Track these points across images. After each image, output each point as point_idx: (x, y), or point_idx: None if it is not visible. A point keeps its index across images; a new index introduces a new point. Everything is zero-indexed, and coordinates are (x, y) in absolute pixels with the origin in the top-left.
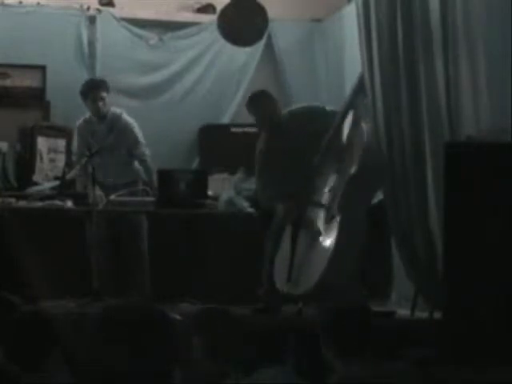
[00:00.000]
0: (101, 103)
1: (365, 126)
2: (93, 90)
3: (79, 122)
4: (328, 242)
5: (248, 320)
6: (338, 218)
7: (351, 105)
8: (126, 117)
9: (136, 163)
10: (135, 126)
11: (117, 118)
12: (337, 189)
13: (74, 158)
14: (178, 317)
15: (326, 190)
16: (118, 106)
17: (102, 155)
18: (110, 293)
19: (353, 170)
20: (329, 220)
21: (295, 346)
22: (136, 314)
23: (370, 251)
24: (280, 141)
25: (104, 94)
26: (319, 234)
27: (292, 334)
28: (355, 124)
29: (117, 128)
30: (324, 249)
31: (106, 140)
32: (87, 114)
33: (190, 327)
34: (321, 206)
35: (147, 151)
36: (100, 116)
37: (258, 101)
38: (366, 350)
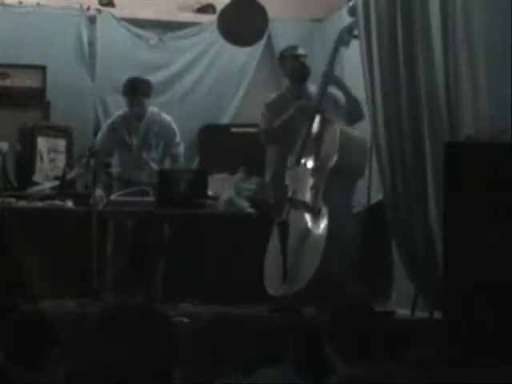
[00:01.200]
0: (139, 108)
1: (336, 125)
2: (131, 93)
3: (114, 117)
4: (318, 235)
5: (249, 320)
6: (323, 210)
7: (318, 107)
8: (165, 115)
9: (166, 162)
10: (174, 124)
11: (156, 116)
12: (318, 184)
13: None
14: (186, 319)
15: (308, 188)
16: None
17: (139, 153)
18: (123, 293)
19: (331, 163)
20: (316, 213)
21: (295, 346)
22: (135, 315)
23: (369, 251)
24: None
25: (144, 99)
26: (307, 230)
27: (292, 334)
28: (324, 124)
29: (156, 126)
30: (315, 242)
31: (146, 138)
32: (122, 111)
33: (201, 330)
34: (305, 204)
35: (182, 150)
36: (138, 118)
37: (299, 52)
38: (368, 349)
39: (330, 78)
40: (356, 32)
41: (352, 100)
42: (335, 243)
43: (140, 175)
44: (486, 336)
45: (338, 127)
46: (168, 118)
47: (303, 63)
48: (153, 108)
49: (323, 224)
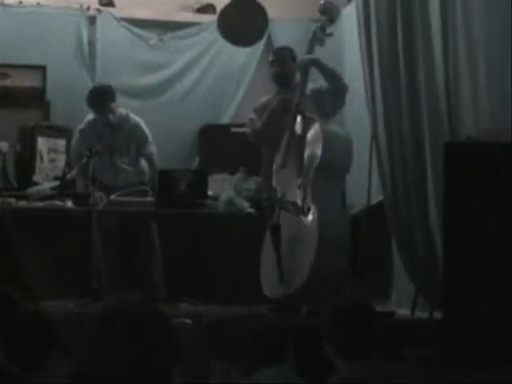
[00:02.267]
0: (110, 115)
1: (318, 123)
2: (100, 102)
3: (83, 124)
4: (309, 234)
5: (249, 320)
6: (313, 208)
7: (299, 107)
8: (133, 116)
9: (142, 162)
10: (143, 125)
11: (124, 119)
12: (306, 184)
13: (73, 160)
14: (188, 320)
15: (296, 188)
16: (117, 106)
17: (111, 157)
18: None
19: (316, 161)
20: (306, 213)
21: (295, 346)
22: (135, 314)
23: (369, 251)
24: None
25: (112, 105)
26: (299, 230)
27: (291, 334)
28: (307, 123)
29: (125, 129)
30: (307, 241)
31: (115, 142)
32: (90, 116)
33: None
34: (294, 205)
35: (154, 149)
36: (109, 125)
37: (281, 56)
38: (368, 349)
39: (307, 75)
40: (329, 30)
41: (333, 76)
42: (327, 240)
43: (115, 179)
44: (486, 336)
45: (321, 125)
46: (137, 119)
47: (281, 68)
48: (122, 110)
49: (314, 222)
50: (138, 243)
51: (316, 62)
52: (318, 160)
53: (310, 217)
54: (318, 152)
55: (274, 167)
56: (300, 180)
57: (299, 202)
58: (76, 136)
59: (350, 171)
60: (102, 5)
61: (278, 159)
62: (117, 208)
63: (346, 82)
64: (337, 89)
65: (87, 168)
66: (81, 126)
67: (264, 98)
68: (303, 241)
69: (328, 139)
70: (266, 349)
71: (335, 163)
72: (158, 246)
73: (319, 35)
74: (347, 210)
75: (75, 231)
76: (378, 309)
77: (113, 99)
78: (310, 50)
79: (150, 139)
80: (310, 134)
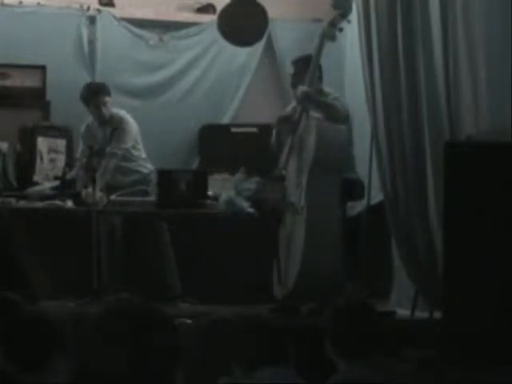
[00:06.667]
0: (104, 109)
1: (314, 120)
2: (95, 95)
3: (82, 128)
4: (301, 232)
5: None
6: (305, 207)
7: (307, 106)
8: (125, 116)
9: (138, 161)
10: (129, 126)
11: (117, 119)
12: (302, 183)
13: (77, 162)
14: (188, 321)
15: (295, 188)
16: (118, 106)
17: (108, 157)
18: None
19: (310, 159)
20: (300, 211)
21: (295, 346)
22: (135, 314)
23: (369, 251)
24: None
25: (106, 99)
26: (294, 229)
27: (292, 333)
28: (306, 122)
29: (117, 129)
30: (299, 240)
31: (110, 143)
32: (89, 120)
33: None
34: (292, 204)
35: (120, 152)
36: (103, 121)
37: (296, 68)
38: (368, 349)
39: (305, 106)
40: (340, 24)
41: (325, 107)
42: (315, 239)
43: (120, 179)
44: (486, 336)
45: (315, 122)
46: (126, 119)
47: (296, 80)
48: (117, 110)
49: (303, 221)
50: (138, 243)
51: (308, 96)
52: (311, 157)
53: (301, 216)
54: (312, 150)
55: (279, 167)
56: (298, 179)
57: (296, 201)
58: (80, 140)
59: (345, 167)
60: (102, 5)
61: (282, 161)
62: (117, 208)
63: (347, 104)
64: (333, 119)
65: (87, 167)
66: (81, 130)
67: (288, 109)
68: (295, 241)
69: (321, 137)
70: (267, 349)
71: (330, 161)
72: (167, 246)
73: (330, 31)
74: (347, 209)
75: (75, 231)
76: (378, 309)
77: (106, 93)
78: (320, 46)
79: (126, 144)
80: (308, 133)
